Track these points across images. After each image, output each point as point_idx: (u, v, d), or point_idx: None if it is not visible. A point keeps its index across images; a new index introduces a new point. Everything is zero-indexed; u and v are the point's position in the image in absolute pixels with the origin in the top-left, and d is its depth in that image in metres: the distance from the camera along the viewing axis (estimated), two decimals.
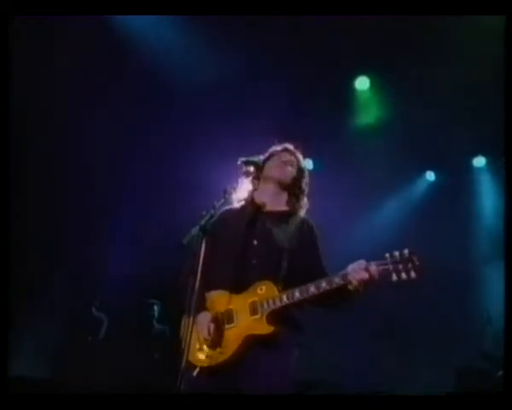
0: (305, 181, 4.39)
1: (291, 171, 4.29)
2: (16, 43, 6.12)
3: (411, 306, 8.35)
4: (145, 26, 8.30)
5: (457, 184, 11.38)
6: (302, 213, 4.30)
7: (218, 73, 9.27)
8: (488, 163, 11.38)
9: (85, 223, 10.74)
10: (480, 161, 11.44)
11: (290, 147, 4.43)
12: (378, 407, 6.28)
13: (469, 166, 11.53)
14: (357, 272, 3.71)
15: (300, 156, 4.44)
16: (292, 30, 8.53)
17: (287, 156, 4.33)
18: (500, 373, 7.77)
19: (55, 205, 10.43)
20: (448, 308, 10.37)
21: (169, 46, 8.71)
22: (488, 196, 11.37)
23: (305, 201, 4.35)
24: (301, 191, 4.34)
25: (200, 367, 3.78)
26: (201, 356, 3.80)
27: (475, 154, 11.37)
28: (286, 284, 3.90)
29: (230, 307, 3.85)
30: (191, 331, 3.48)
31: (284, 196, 4.28)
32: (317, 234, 4.22)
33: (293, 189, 4.30)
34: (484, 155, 11.34)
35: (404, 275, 3.61)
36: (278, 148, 4.39)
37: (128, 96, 9.35)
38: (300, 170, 4.37)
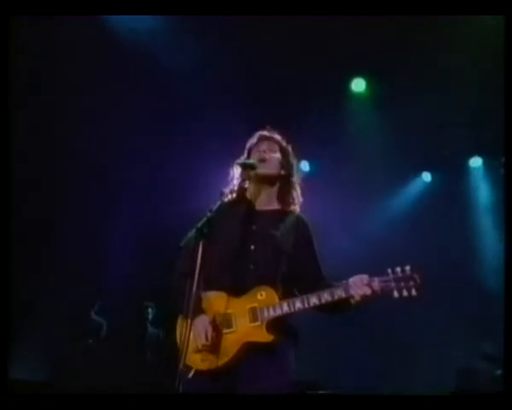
0: (293, 167, 4.23)
1: (273, 161, 4.14)
2: (16, 43, 6.11)
3: (411, 306, 8.33)
4: (146, 26, 8.28)
5: (454, 184, 11.43)
6: (297, 208, 4.19)
7: (216, 75, 9.28)
8: (484, 163, 11.41)
9: (85, 226, 10.73)
10: (476, 162, 11.47)
11: (265, 133, 4.25)
12: (378, 407, 6.28)
13: (466, 167, 11.57)
14: (360, 287, 3.69)
15: (280, 138, 4.26)
16: (288, 31, 8.51)
17: (265, 146, 4.17)
18: (500, 373, 7.80)
19: (55, 209, 10.42)
20: (448, 308, 10.39)
21: (169, 46, 8.68)
22: (484, 197, 11.40)
23: (297, 192, 4.22)
24: (291, 181, 4.20)
25: (196, 370, 3.73)
26: (198, 359, 3.75)
27: (472, 154, 11.41)
28: (284, 287, 3.88)
29: (229, 311, 3.79)
30: (189, 334, 3.47)
31: (275, 191, 4.17)
32: (312, 232, 4.15)
33: (281, 180, 4.16)
34: (480, 155, 11.37)
35: (405, 292, 3.61)
36: (254, 140, 4.24)
37: (127, 96, 9.33)
38: (284, 156, 4.20)
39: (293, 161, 4.25)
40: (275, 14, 7.46)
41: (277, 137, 4.26)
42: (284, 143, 4.26)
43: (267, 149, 4.14)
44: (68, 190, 10.40)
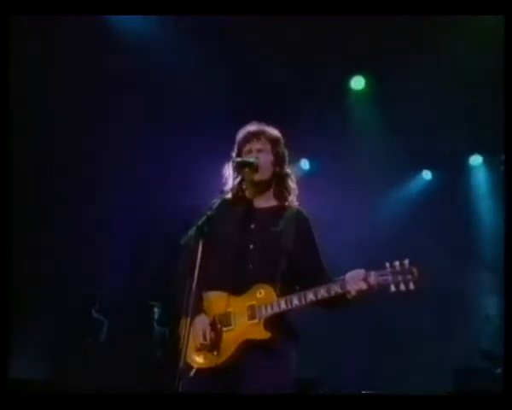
0: (285, 157, 4.20)
1: (266, 164, 4.09)
2: (16, 43, 6.11)
3: (411, 305, 8.35)
4: (146, 26, 8.28)
5: (454, 182, 11.44)
6: (294, 201, 4.18)
7: (217, 74, 9.28)
8: (485, 162, 11.42)
9: (85, 225, 10.73)
10: (476, 160, 11.48)
11: (253, 129, 4.17)
12: (378, 407, 6.28)
13: (466, 165, 11.57)
14: (356, 282, 3.66)
15: (269, 130, 4.18)
16: (287, 30, 8.51)
17: (255, 145, 4.11)
18: (500, 372, 7.79)
19: (55, 207, 10.43)
20: (447, 308, 10.39)
21: (169, 46, 8.69)
22: (485, 195, 11.40)
23: (292, 181, 4.20)
24: (285, 175, 4.19)
25: (197, 369, 3.73)
26: (198, 358, 3.76)
27: (472, 152, 11.41)
28: (284, 284, 3.88)
29: (229, 309, 3.80)
30: (188, 333, 3.47)
31: (271, 190, 4.15)
32: (312, 227, 4.13)
33: (276, 178, 4.15)
34: (480, 153, 11.38)
35: (402, 286, 3.58)
36: (242, 136, 4.16)
37: (127, 96, 9.35)
38: (275, 152, 4.15)
39: (284, 150, 4.22)
40: (275, 14, 7.47)
41: (266, 129, 4.19)
42: (273, 133, 4.21)
43: (257, 150, 4.10)
44: (68, 190, 10.40)
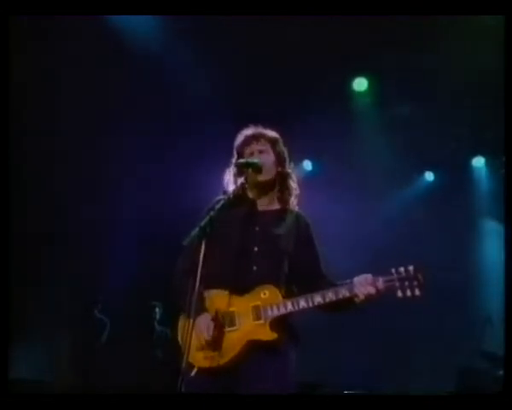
0: (285, 156, 4.23)
1: (268, 164, 4.11)
2: (16, 43, 6.12)
3: (411, 306, 8.32)
4: (146, 26, 8.28)
5: (456, 184, 11.42)
6: (295, 204, 4.21)
7: (216, 74, 9.28)
8: (487, 163, 11.40)
9: (85, 225, 10.73)
10: (479, 161, 11.48)
11: (251, 132, 4.20)
12: (378, 407, 6.28)
13: (468, 166, 11.57)
14: (364, 286, 3.71)
15: (267, 132, 4.22)
16: (289, 30, 8.50)
17: (254, 147, 4.14)
18: (500, 373, 7.78)
19: (55, 207, 10.43)
20: (448, 308, 10.38)
21: (169, 46, 8.69)
22: (487, 196, 11.39)
23: (294, 186, 4.22)
24: (286, 174, 4.21)
25: (199, 368, 3.72)
26: (201, 357, 3.75)
27: (474, 154, 11.41)
28: (287, 286, 3.91)
29: (232, 309, 3.80)
30: (191, 332, 3.44)
31: (275, 192, 4.18)
32: (312, 231, 4.16)
33: (279, 178, 4.17)
34: (483, 154, 11.37)
35: (409, 292, 3.66)
36: (241, 140, 4.19)
37: (127, 96, 9.35)
38: (276, 151, 4.18)
39: (284, 149, 4.25)
40: (275, 14, 7.46)
41: (263, 131, 4.22)
42: (271, 134, 4.23)
43: (259, 151, 4.13)
44: (69, 190, 10.40)
